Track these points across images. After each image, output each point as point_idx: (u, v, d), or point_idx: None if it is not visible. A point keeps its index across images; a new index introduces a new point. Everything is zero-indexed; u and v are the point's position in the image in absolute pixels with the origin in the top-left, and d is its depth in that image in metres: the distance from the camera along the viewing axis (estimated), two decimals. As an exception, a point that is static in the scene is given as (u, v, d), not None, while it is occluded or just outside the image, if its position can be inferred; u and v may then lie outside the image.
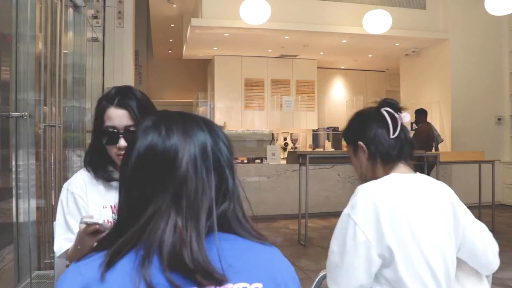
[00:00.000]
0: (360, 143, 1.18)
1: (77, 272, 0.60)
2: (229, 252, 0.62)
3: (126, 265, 0.58)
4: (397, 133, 1.15)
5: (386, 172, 1.17)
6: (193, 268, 0.58)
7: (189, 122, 0.66)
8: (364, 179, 1.20)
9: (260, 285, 0.60)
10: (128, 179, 0.64)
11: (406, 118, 1.17)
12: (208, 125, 0.67)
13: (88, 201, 1.24)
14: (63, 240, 1.22)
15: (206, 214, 0.62)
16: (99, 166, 1.23)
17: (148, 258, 0.58)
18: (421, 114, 5.90)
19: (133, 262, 0.58)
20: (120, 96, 1.19)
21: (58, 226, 1.24)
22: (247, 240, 0.66)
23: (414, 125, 6.21)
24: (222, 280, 0.58)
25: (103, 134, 1.17)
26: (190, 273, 0.58)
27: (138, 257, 0.58)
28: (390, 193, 1.08)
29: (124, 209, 0.65)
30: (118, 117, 1.16)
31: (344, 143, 1.32)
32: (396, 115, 1.16)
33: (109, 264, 0.58)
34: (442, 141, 6.02)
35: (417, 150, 5.11)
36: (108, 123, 1.17)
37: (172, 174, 0.61)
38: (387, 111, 1.16)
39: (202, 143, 0.64)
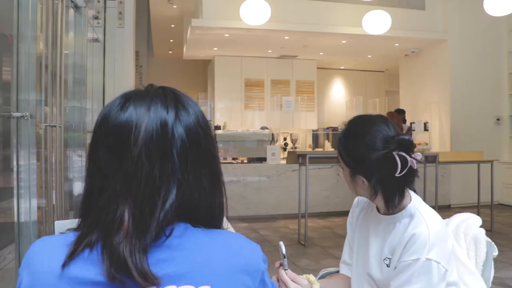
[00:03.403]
0: (362, 178, 1.08)
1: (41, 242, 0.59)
2: (177, 252, 0.58)
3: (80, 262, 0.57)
4: (404, 171, 1.03)
5: (407, 194, 1.13)
6: (132, 268, 0.55)
7: (154, 96, 0.61)
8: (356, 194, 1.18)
9: (207, 287, 0.57)
10: (89, 155, 0.61)
11: (418, 157, 1.05)
12: (179, 101, 0.61)
13: None
14: None
15: (160, 203, 0.57)
16: None
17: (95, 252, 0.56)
18: (400, 114, 6.04)
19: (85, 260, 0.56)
20: None
21: None
22: (203, 230, 0.61)
23: None
24: (155, 283, 0.55)
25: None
26: (128, 272, 0.55)
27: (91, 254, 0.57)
28: (440, 220, 1.09)
29: (86, 190, 0.62)
30: None
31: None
32: (408, 159, 1.03)
33: (70, 257, 0.56)
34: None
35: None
36: None
37: (126, 154, 0.57)
38: (399, 155, 1.03)
39: (161, 120, 0.58)
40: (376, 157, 1.05)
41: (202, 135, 0.62)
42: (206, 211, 0.63)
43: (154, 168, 0.57)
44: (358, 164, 1.08)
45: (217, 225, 0.65)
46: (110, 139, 0.59)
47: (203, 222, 0.63)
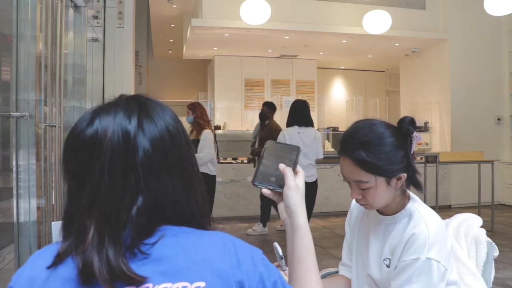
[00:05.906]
0: (399, 175, 1.05)
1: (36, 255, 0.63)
2: (171, 250, 0.59)
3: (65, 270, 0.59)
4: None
5: (407, 194, 1.13)
6: (109, 279, 0.55)
7: (119, 107, 0.62)
8: (383, 206, 1.11)
9: (202, 283, 0.57)
10: (62, 171, 0.63)
11: (420, 138, 1.11)
12: (142, 109, 0.62)
13: None
14: None
15: (124, 212, 0.58)
16: None
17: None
18: (272, 109, 4.94)
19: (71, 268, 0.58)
20: None
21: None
22: (194, 231, 0.63)
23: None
24: (141, 281, 0.56)
25: None
26: (108, 283, 0.55)
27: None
28: (439, 219, 1.10)
29: (66, 202, 0.64)
30: None
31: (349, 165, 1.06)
32: (415, 135, 1.07)
33: (55, 264, 0.59)
34: None
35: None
36: None
37: (90, 168, 0.58)
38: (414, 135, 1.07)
39: (123, 131, 0.59)
40: (402, 142, 1.06)
41: (170, 142, 0.62)
42: (183, 213, 0.64)
43: (116, 180, 0.58)
44: (393, 164, 1.04)
45: (201, 224, 0.65)
46: (77, 155, 0.60)
47: (188, 224, 0.64)
